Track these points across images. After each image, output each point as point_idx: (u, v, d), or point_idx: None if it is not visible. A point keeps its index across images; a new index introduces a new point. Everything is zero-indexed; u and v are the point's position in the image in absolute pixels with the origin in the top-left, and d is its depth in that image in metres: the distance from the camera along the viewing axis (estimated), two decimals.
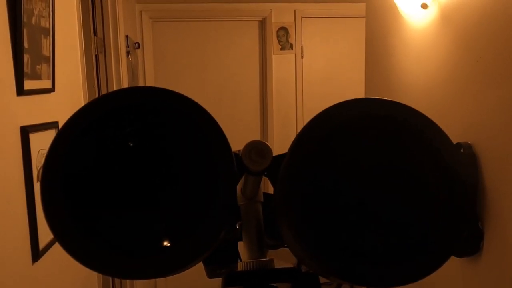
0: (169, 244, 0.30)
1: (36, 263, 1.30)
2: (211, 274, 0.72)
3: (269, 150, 0.36)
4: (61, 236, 0.30)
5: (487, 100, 1.34)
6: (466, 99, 1.42)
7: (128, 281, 2.53)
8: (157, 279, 3.63)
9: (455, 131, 1.44)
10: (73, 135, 0.30)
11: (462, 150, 1.38)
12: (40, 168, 1.36)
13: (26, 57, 1.26)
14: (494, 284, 1.32)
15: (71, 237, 0.30)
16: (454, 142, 1.42)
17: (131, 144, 0.29)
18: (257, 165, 0.35)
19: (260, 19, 3.63)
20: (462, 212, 0.32)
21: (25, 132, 1.26)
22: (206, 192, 0.31)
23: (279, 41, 3.63)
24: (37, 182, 1.33)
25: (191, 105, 0.31)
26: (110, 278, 2.36)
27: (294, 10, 3.61)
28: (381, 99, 0.32)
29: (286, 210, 0.32)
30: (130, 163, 0.30)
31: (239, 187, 0.55)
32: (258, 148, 0.36)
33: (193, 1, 3.42)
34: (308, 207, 0.31)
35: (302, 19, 3.65)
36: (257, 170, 0.35)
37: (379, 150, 0.32)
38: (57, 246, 1.47)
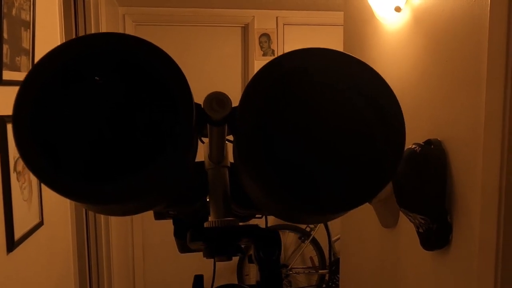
0: (129, 174, 0.32)
1: (11, 253, 1.29)
2: (182, 248, 0.74)
3: (228, 100, 0.38)
4: (35, 168, 0.32)
5: (456, 99, 1.39)
6: (437, 98, 1.48)
7: (105, 273, 2.51)
8: (135, 277, 3.59)
9: (426, 128, 1.49)
10: (42, 76, 0.33)
11: (432, 147, 1.43)
12: (17, 159, 1.36)
13: (5, 48, 1.27)
14: (462, 274, 1.37)
15: (44, 170, 0.32)
16: (425, 139, 1.47)
17: (97, 81, 0.32)
18: (217, 114, 0.38)
19: (243, 25, 3.69)
20: (396, 149, 0.35)
21: (2, 121, 1.27)
22: (165, 128, 0.33)
23: (261, 47, 3.68)
24: (13, 172, 1.33)
25: (153, 49, 0.33)
26: (87, 268, 2.34)
27: (276, 17, 3.67)
28: (319, 49, 0.36)
29: (244, 154, 0.34)
30: (94, 100, 0.33)
31: (206, 152, 0.58)
32: (218, 98, 0.38)
33: (177, 5, 3.45)
34: (264, 149, 0.34)
35: (284, 26, 3.71)
36: (217, 118, 0.38)
37: (322, 96, 0.35)
38: (33, 236, 1.46)
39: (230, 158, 0.60)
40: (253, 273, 3.30)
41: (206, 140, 0.59)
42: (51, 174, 0.32)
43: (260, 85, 0.35)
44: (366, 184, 0.34)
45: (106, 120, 0.33)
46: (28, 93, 0.33)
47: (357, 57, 0.39)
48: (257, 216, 0.68)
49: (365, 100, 0.35)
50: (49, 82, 0.33)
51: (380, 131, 0.35)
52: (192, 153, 0.39)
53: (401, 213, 1.71)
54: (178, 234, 0.69)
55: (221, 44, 3.66)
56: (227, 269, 3.35)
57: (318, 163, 0.34)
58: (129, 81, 0.33)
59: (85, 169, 0.32)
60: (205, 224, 0.52)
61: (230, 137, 0.53)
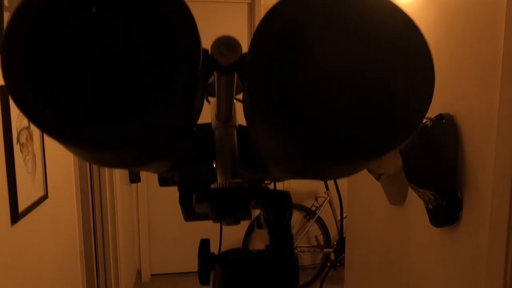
0: (129, 113, 0.29)
1: (15, 225, 1.28)
2: (188, 216, 0.72)
3: (238, 44, 0.35)
4: (22, 104, 0.29)
5: (470, 73, 1.35)
6: (450, 73, 1.43)
7: (111, 246, 2.52)
8: (141, 250, 3.62)
9: (438, 103, 1.45)
10: (35, 8, 0.30)
11: (444, 121, 1.39)
12: (20, 130, 1.34)
13: (6, 15, 1.23)
14: (471, 251, 1.35)
15: (36, 109, 0.29)
16: (437, 113, 1.44)
17: (94, 13, 0.29)
18: (226, 58, 0.34)
19: (249, 1, 3.61)
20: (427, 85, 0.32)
21: (5, 92, 1.24)
22: (168, 68, 0.30)
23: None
24: (16, 144, 1.31)
25: None
26: (93, 241, 2.35)
27: None
28: None
29: (258, 98, 0.31)
30: (90, 34, 0.30)
31: (213, 112, 0.55)
32: (227, 42, 0.35)
33: None
34: (279, 93, 0.31)
35: None
36: (226, 63, 0.35)
37: (342, 36, 0.32)
38: (38, 209, 1.45)
39: (238, 120, 0.57)
40: (259, 243, 3.31)
41: (212, 100, 0.56)
42: (42, 113, 0.29)
43: (273, 23, 0.32)
44: (390, 131, 0.31)
45: (103, 57, 0.30)
46: (19, 25, 0.30)
47: None
48: (265, 182, 0.65)
49: (390, 41, 0.32)
50: (42, 14, 0.30)
51: (406, 76, 0.31)
52: (197, 104, 0.36)
53: (409, 190, 1.68)
54: (184, 201, 0.67)
55: (226, 21, 3.59)
56: (234, 240, 3.36)
57: (337, 107, 0.31)
58: (129, 15, 0.30)
59: (79, 109, 0.29)
60: (212, 186, 0.49)
61: (239, 97, 0.50)
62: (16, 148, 1.31)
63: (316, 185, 3.53)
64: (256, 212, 0.59)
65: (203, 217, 0.68)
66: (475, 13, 1.33)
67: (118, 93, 0.29)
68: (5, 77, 0.29)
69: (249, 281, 0.46)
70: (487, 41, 1.27)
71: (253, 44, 0.33)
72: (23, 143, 1.36)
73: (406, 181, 1.48)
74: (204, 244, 0.49)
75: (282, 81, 0.31)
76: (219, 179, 0.50)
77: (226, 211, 0.47)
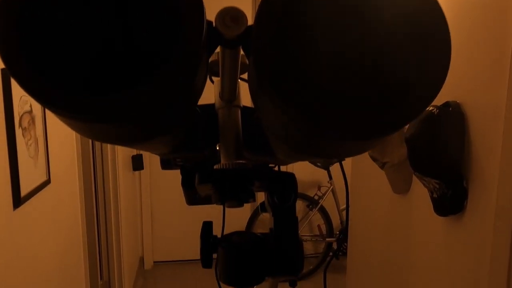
0: (127, 85, 0.28)
1: (17, 210, 1.28)
2: (190, 200, 0.71)
3: (243, 15, 0.34)
4: (18, 74, 0.28)
5: (478, 61, 1.33)
6: (457, 60, 1.41)
7: (113, 231, 2.53)
8: (143, 235, 3.63)
9: (444, 90, 1.43)
10: None
11: (450, 109, 1.37)
12: (22, 114, 1.33)
13: None
14: (476, 241, 1.34)
15: (34, 81, 0.28)
16: (443, 101, 1.42)
17: None
18: (231, 30, 0.33)
19: None
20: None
21: (6, 75, 1.23)
22: (170, 39, 0.29)
23: None
24: (18, 128, 1.30)
25: None
26: (96, 228, 2.35)
27: None
28: None
29: (265, 70, 0.30)
30: (90, 3, 0.28)
31: (216, 92, 0.54)
32: (232, 13, 0.34)
33: None
34: (287, 64, 0.30)
35: None
36: (231, 36, 0.33)
37: (353, 7, 0.30)
38: (40, 194, 1.45)
39: (243, 102, 0.56)
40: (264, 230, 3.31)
41: (216, 79, 0.55)
42: (40, 83, 0.27)
43: None
44: (403, 107, 0.29)
45: (103, 26, 0.28)
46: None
47: None
48: (270, 165, 0.64)
49: (407, 19, 0.30)
50: None
51: (420, 57, 0.30)
52: (199, 79, 0.34)
53: (413, 179, 1.67)
54: (186, 184, 0.65)
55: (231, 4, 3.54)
56: (236, 228, 3.36)
57: (345, 81, 0.29)
58: None
59: (77, 79, 0.28)
60: (215, 167, 0.48)
61: (244, 77, 0.49)
62: (18, 132, 1.30)
63: (319, 174, 3.52)
64: (260, 198, 0.58)
65: (205, 200, 0.67)
66: (485, 1, 1.30)
67: (118, 63, 0.28)
68: (0, 47, 0.28)
69: (252, 263, 0.45)
70: (496, 30, 1.25)
71: (259, 14, 0.31)
72: (25, 128, 1.35)
73: (410, 169, 1.47)
74: (207, 226, 0.48)
75: (289, 53, 0.29)
76: (222, 160, 0.49)
77: (229, 192, 0.46)
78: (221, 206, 0.59)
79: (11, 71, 0.28)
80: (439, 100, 1.41)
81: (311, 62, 0.29)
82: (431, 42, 0.31)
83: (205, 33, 0.32)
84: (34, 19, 0.28)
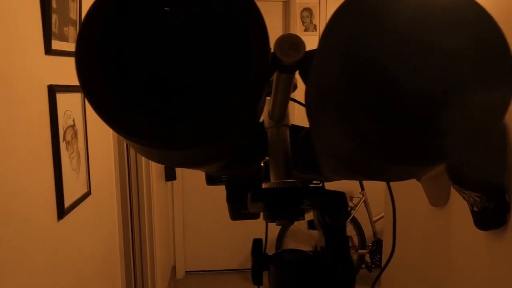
0: (201, 113, 0.29)
1: (61, 221, 1.33)
2: (234, 215, 0.72)
3: (302, 42, 0.35)
4: (96, 103, 0.29)
5: None
6: None
7: (147, 242, 2.57)
8: (176, 257, 3.67)
9: None
10: (109, 5, 0.30)
11: None
12: (66, 128, 1.38)
13: (54, 17, 1.27)
14: None
15: (106, 104, 0.29)
16: None
17: (167, 11, 0.29)
18: (290, 57, 0.34)
19: (284, 0, 3.60)
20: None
21: (52, 91, 1.28)
22: (239, 65, 0.30)
23: (303, 22, 3.59)
24: (63, 141, 1.35)
25: None
26: (130, 237, 2.39)
27: None
28: None
29: (323, 92, 0.31)
30: (162, 33, 0.30)
31: (266, 111, 0.55)
32: (291, 41, 0.35)
33: None
34: (348, 87, 0.30)
35: (327, 0, 3.60)
36: (290, 62, 0.34)
37: (420, 32, 0.31)
38: (82, 205, 1.50)
39: (291, 120, 0.57)
40: (292, 245, 3.30)
41: (267, 99, 0.56)
42: (113, 111, 0.29)
43: (345, 16, 0.31)
44: (463, 138, 0.29)
45: (177, 57, 0.30)
46: (93, 24, 0.30)
47: None
48: (314, 182, 0.64)
49: (472, 45, 0.30)
50: (115, 13, 0.30)
51: (486, 85, 0.30)
52: (262, 102, 0.36)
53: (451, 191, 1.63)
54: (231, 199, 0.67)
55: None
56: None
57: (414, 107, 0.29)
58: (201, 17, 0.30)
59: (152, 108, 0.29)
60: (264, 185, 0.49)
61: (293, 96, 0.50)
62: (62, 146, 1.35)
63: (351, 185, 3.48)
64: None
65: (249, 216, 0.68)
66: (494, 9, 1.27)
67: (192, 93, 0.30)
68: (79, 75, 0.29)
69: (304, 281, 0.45)
70: None
71: (325, 37, 0.32)
72: (68, 141, 1.41)
73: (448, 182, 1.44)
74: (257, 243, 0.48)
75: (357, 78, 0.30)
76: (272, 179, 0.50)
77: (280, 210, 0.47)
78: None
79: (91, 101, 0.29)
80: None
81: (379, 91, 0.29)
82: (496, 69, 0.31)
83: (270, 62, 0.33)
84: (112, 47, 0.30)
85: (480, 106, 0.30)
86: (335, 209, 0.46)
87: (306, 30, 3.58)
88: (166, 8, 0.29)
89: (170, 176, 3.32)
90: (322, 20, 3.59)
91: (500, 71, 0.30)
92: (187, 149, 0.30)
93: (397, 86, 0.29)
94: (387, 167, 0.31)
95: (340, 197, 0.46)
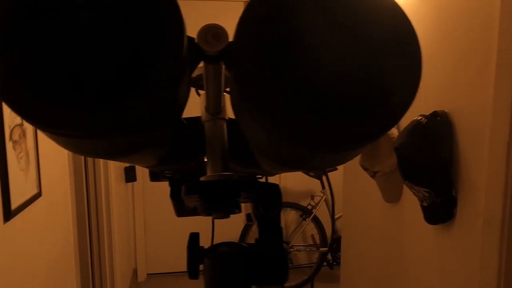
0: (114, 100, 0.29)
1: (7, 223, 1.28)
2: (179, 211, 0.71)
3: (224, 32, 0.35)
4: (7, 95, 0.29)
5: (464, 71, 1.35)
6: (444, 70, 1.43)
7: (106, 244, 2.51)
8: (136, 248, 3.60)
9: (432, 100, 1.45)
10: None
11: (438, 119, 1.39)
12: (13, 127, 1.33)
13: None
14: (466, 249, 1.35)
15: (18, 96, 0.29)
16: (431, 110, 1.44)
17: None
18: (212, 47, 0.34)
19: (246, 0, 3.61)
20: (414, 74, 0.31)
21: None
22: (152, 50, 0.30)
23: None
24: (9, 141, 1.30)
25: None
26: (88, 240, 2.33)
27: None
28: None
29: (245, 86, 0.31)
30: (73, 15, 0.29)
31: (202, 105, 0.55)
32: (214, 31, 0.35)
33: None
34: (267, 80, 0.31)
35: None
36: (212, 52, 0.34)
37: (330, 20, 0.31)
38: (32, 207, 1.45)
39: (228, 113, 0.57)
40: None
41: (202, 93, 0.56)
42: (21, 98, 0.28)
43: (258, 8, 0.31)
44: (374, 120, 0.30)
45: (85, 41, 0.29)
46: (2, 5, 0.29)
47: None
48: (257, 176, 0.64)
49: (379, 30, 0.31)
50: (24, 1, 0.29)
51: (393, 65, 0.31)
52: (182, 92, 0.35)
53: (404, 188, 1.68)
54: (175, 196, 0.66)
55: (225, 19, 3.58)
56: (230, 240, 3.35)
57: (322, 95, 0.30)
58: (113, 4, 0.30)
59: (60, 96, 0.29)
60: (201, 178, 0.49)
61: (228, 90, 0.50)
62: (9, 145, 1.30)
63: (312, 184, 3.53)
64: (249, 209, 0.59)
65: (194, 212, 0.68)
66: (470, 10, 1.33)
67: (101, 78, 0.29)
68: None
69: (238, 274, 0.45)
70: (481, 39, 1.28)
71: (238, 30, 0.32)
72: (16, 141, 1.35)
73: (401, 179, 1.48)
74: (193, 237, 0.48)
75: (268, 69, 0.30)
76: (208, 172, 0.50)
77: (215, 203, 0.47)
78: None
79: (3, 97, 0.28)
80: (427, 110, 1.43)
81: (289, 79, 0.30)
82: (403, 51, 0.32)
83: (186, 50, 0.33)
84: (19, 35, 0.29)
85: (392, 88, 0.31)
86: (269, 201, 0.46)
87: None
88: None
89: (130, 177, 3.26)
90: None
91: (409, 54, 0.31)
92: (94, 137, 0.29)
93: (307, 78, 0.30)
94: (305, 154, 0.32)
95: (274, 189, 0.47)
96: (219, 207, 0.47)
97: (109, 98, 0.29)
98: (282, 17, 0.31)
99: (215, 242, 0.55)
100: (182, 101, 0.37)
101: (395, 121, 0.31)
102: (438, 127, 1.37)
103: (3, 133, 1.26)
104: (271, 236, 0.46)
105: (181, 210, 0.69)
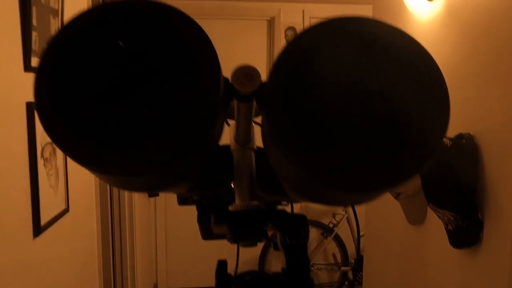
0: (152, 141, 0.31)
1: (37, 238, 1.31)
2: (205, 234, 0.73)
3: (257, 73, 0.36)
4: (53, 134, 0.31)
5: (489, 93, 1.34)
6: (469, 92, 1.42)
7: (128, 259, 2.54)
8: (158, 263, 3.63)
9: (457, 122, 1.44)
10: (66, 39, 0.32)
11: (464, 141, 1.38)
12: (44, 145, 1.38)
13: (34, 35, 1.28)
14: (492, 275, 1.32)
15: (63, 135, 0.31)
16: (456, 133, 1.42)
17: (120, 46, 0.31)
18: (245, 87, 0.36)
19: (269, 18, 3.66)
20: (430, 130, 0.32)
21: (31, 108, 1.28)
22: (190, 91, 0.32)
23: (287, 41, 3.64)
24: (40, 158, 1.35)
25: (180, 15, 0.32)
26: (111, 255, 2.36)
27: (303, 10, 3.63)
28: (355, 16, 0.34)
29: (273, 126, 0.32)
30: (116, 65, 0.32)
31: (231, 135, 0.56)
32: (246, 71, 0.37)
33: None
34: (297, 123, 0.32)
35: (311, 19, 3.67)
36: (245, 92, 0.36)
37: (356, 66, 0.33)
38: (59, 222, 1.48)
39: (257, 142, 0.58)
40: (275, 263, 3.29)
41: (232, 122, 0.58)
42: (70, 141, 0.30)
43: (290, 54, 0.33)
44: (404, 162, 0.31)
45: (127, 85, 0.31)
46: (50, 57, 0.31)
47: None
48: (283, 203, 0.66)
49: (404, 71, 0.33)
50: (71, 46, 0.32)
51: (421, 105, 0.32)
52: (217, 129, 0.37)
53: (428, 209, 1.66)
54: (202, 220, 0.68)
55: (246, 37, 3.64)
56: (249, 259, 3.35)
57: (352, 138, 0.31)
58: (152, 48, 0.32)
59: (104, 136, 0.31)
60: (230, 208, 0.50)
61: (258, 120, 0.51)
62: (40, 162, 1.34)
63: None
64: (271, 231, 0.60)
65: (220, 236, 0.69)
66: (496, 30, 1.32)
67: (143, 120, 0.31)
68: (37, 105, 0.31)
69: None
70: (507, 60, 1.26)
71: (271, 74, 0.34)
72: (46, 158, 1.40)
73: (424, 200, 1.47)
74: (221, 265, 0.49)
75: (298, 112, 0.32)
76: (236, 201, 0.51)
77: (243, 233, 0.48)
78: None
79: (46, 127, 0.31)
80: (452, 132, 1.42)
81: (319, 122, 0.31)
82: (430, 95, 0.33)
83: (222, 91, 0.34)
84: (65, 77, 0.31)
85: (421, 131, 0.32)
86: (296, 231, 0.47)
87: None
88: (119, 43, 0.31)
89: (153, 192, 3.30)
90: None
91: (436, 98, 0.32)
92: (137, 176, 0.31)
93: (337, 120, 0.31)
94: (331, 193, 0.33)
95: (301, 219, 0.48)
96: (247, 235, 0.49)
97: (148, 137, 0.31)
98: (312, 64, 0.32)
99: (234, 262, 0.56)
100: (217, 136, 0.39)
101: (423, 163, 0.31)
102: (463, 150, 1.36)
103: (35, 151, 1.30)
104: (298, 266, 0.47)
105: (207, 233, 0.71)
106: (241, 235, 0.48)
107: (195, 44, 0.32)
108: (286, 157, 0.32)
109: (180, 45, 0.32)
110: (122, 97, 0.31)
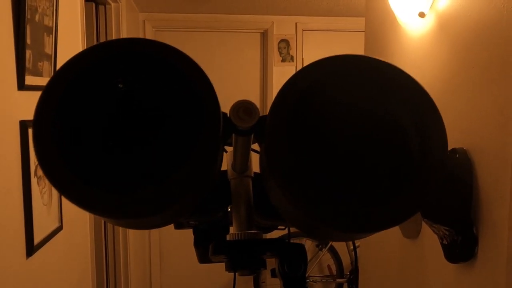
0: (156, 182, 0.31)
1: (30, 258, 1.30)
2: (202, 259, 0.72)
3: (256, 108, 0.37)
4: (55, 179, 0.31)
5: (483, 107, 1.35)
6: (462, 106, 1.44)
7: (122, 278, 2.51)
8: (152, 283, 3.59)
9: (451, 137, 1.44)
10: (65, 81, 0.32)
11: (457, 156, 1.39)
12: (37, 164, 1.37)
13: (28, 53, 1.28)
14: None
15: (64, 180, 0.31)
16: (450, 148, 1.43)
17: (121, 88, 0.31)
18: (244, 123, 0.36)
19: (262, 31, 3.68)
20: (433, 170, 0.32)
21: (25, 126, 1.28)
22: (190, 137, 0.32)
23: (280, 53, 3.67)
24: (34, 177, 1.34)
25: (178, 54, 0.32)
26: (105, 272, 2.34)
27: (296, 23, 3.66)
28: (355, 55, 0.34)
29: (273, 164, 0.33)
30: (117, 107, 0.32)
31: (229, 162, 0.56)
32: (245, 107, 0.37)
33: (196, 11, 3.47)
34: (294, 159, 0.32)
35: (303, 32, 3.70)
36: (244, 127, 0.36)
37: (356, 103, 0.33)
38: (53, 241, 1.47)
39: (254, 168, 0.58)
40: (269, 280, 3.27)
41: (229, 148, 0.58)
42: (70, 185, 0.30)
43: (290, 94, 0.33)
44: (400, 203, 0.32)
45: (129, 128, 0.31)
46: (49, 100, 0.31)
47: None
48: (279, 227, 0.65)
49: (402, 110, 0.33)
50: (71, 88, 0.32)
51: (418, 147, 0.32)
52: (218, 163, 0.37)
53: (423, 224, 1.66)
54: (198, 244, 0.67)
55: (240, 50, 3.66)
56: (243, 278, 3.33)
57: (350, 176, 0.31)
58: (153, 88, 0.32)
59: (105, 179, 0.31)
60: (228, 237, 0.50)
61: (255, 146, 0.52)
62: (34, 181, 1.33)
63: None
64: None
65: (217, 262, 0.69)
66: (488, 44, 1.33)
67: (148, 161, 0.31)
68: (36, 151, 0.31)
69: None
70: (500, 76, 1.28)
71: (272, 109, 0.34)
72: (40, 176, 1.39)
73: (419, 215, 1.47)
74: None
75: (299, 150, 0.32)
76: (234, 229, 0.51)
77: (241, 262, 0.48)
78: None
79: (50, 177, 0.30)
80: None
81: (318, 162, 0.32)
82: (429, 135, 0.33)
83: (222, 127, 0.35)
84: (69, 127, 0.31)
85: (420, 170, 0.32)
86: (295, 261, 0.47)
87: (283, 60, 3.65)
88: (120, 85, 0.31)
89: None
90: (298, 51, 3.68)
91: (434, 138, 0.33)
92: (138, 218, 0.31)
93: (337, 159, 0.31)
94: (330, 231, 0.33)
95: (299, 250, 0.48)
96: (245, 265, 0.48)
97: (155, 177, 0.31)
98: (313, 103, 0.33)
99: (220, 275, 0.55)
100: (218, 169, 0.39)
101: (423, 201, 0.32)
102: (457, 165, 1.37)
103: (28, 169, 1.29)
104: None
105: (204, 258, 0.70)
106: (239, 265, 0.48)
107: (198, 86, 0.32)
108: (287, 199, 0.32)
109: (184, 89, 0.32)
110: (124, 137, 0.31)
